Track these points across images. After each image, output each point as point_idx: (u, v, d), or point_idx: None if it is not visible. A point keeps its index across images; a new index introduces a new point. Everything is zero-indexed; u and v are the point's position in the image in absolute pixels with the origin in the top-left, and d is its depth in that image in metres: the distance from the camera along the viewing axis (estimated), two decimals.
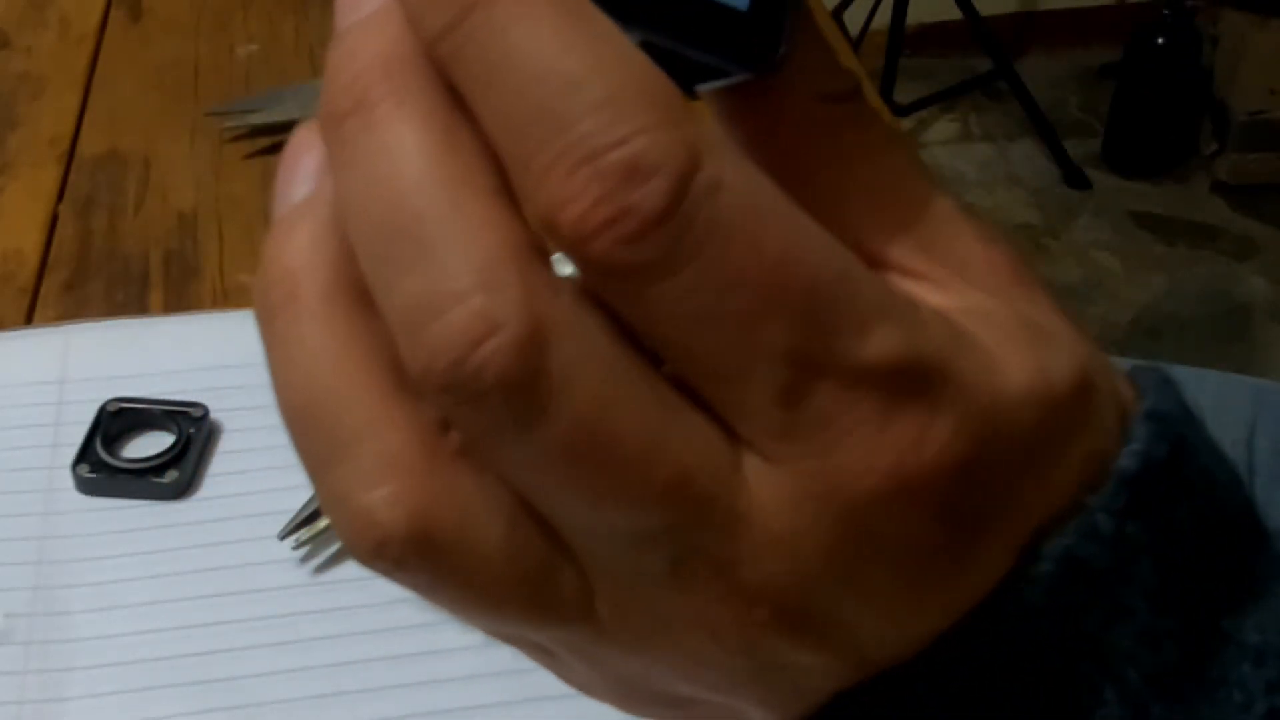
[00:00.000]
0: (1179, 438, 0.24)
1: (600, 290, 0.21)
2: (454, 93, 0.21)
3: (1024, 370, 0.23)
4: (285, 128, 0.77)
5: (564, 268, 0.22)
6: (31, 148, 0.77)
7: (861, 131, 0.25)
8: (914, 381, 0.22)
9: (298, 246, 0.23)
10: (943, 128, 2.47)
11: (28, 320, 0.65)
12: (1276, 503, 0.65)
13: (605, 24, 0.21)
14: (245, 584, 0.51)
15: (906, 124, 2.38)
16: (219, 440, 0.57)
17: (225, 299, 0.67)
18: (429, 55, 0.21)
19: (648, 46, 0.22)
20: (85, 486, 0.55)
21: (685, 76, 0.23)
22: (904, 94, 2.36)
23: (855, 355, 0.21)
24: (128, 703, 0.47)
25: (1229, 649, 0.24)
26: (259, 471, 0.56)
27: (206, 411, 0.57)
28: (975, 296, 0.24)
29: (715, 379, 0.21)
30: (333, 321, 0.22)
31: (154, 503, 0.54)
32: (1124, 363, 0.27)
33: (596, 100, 0.20)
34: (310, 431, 0.22)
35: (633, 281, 0.21)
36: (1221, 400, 0.72)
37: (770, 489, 0.22)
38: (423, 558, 0.21)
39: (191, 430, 0.56)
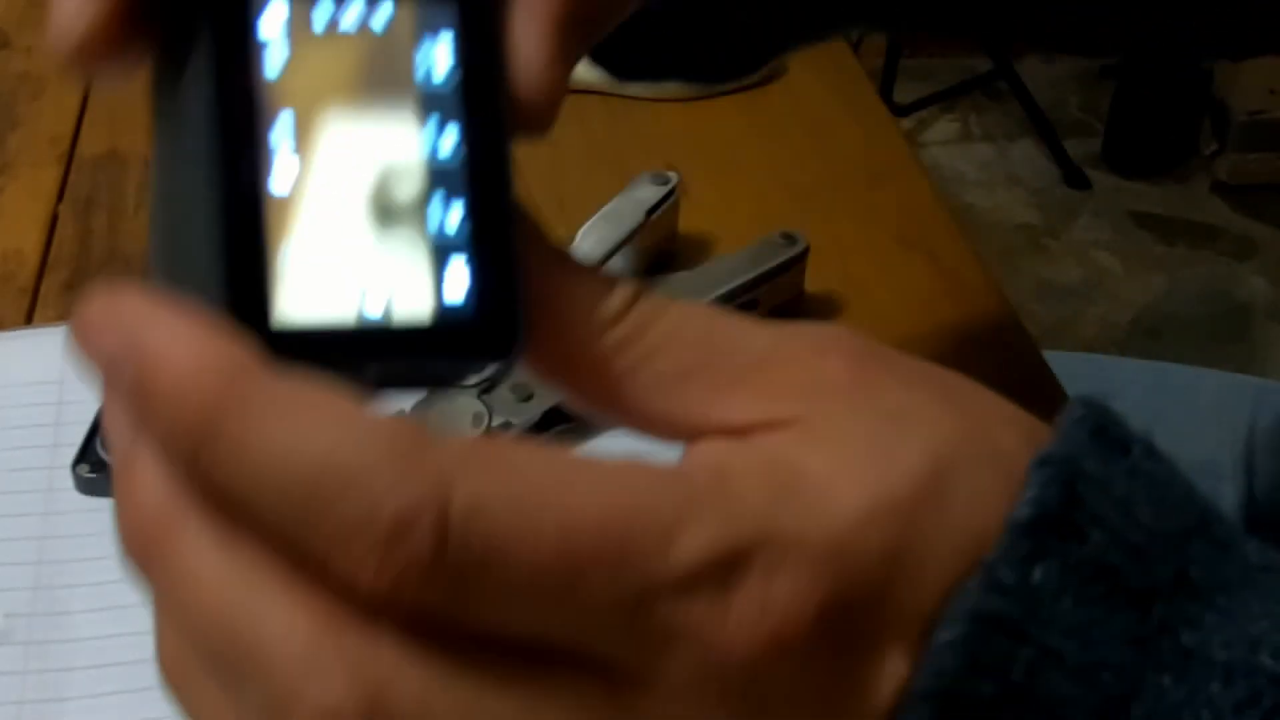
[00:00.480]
0: (1074, 475, 0.24)
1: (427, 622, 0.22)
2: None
3: (858, 492, 0.24)
4: None
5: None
6: (31, 148, 0.77)
7: (649, 327, 0.26)
8: (738, 559, 0.23)
9: (148, 488, 0.24)
10: (943, 128, 2.46)
11: (28, 320, 0.65)
12: (1276, 502, 0.65)
13: (317, 397, 0.22)
14: None
15: (906, 124, 2.38)
16: None
17: None
18: (185, 469, 0.23)
19: (393, 372, 0.24)
20: (85, 486, 0.54)
21: (436, 381, 0.24)
22: (904, 94, 2.36)
23: (671, 569, 0.22)
24: (128, 703, 0.47)
25: (1193, 666, 0.24)
26: None
27: None
28: (812, 417, 0.25)
29: (565, 646, 0.23)
30: (209, 549, 0.23)
31: None
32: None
33: (341, 483, 0.21)
34: (222, 655, 0.23)
35: (447, 614, 0.22)
36: (1220, 400, 0.72)
37: (662, 710, 0.23)
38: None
39: None
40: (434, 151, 0.25)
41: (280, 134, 0.24)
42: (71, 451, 0.55)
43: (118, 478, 0.24)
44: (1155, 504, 0.24)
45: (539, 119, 0.26)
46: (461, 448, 0.22)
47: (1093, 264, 2.18)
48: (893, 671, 0.23)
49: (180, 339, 0.22)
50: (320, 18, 0.25)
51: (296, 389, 0.22)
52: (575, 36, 0.27)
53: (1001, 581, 0.23)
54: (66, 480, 0.55)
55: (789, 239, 0.62)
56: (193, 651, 0.24)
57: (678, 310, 0.26)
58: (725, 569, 0.23)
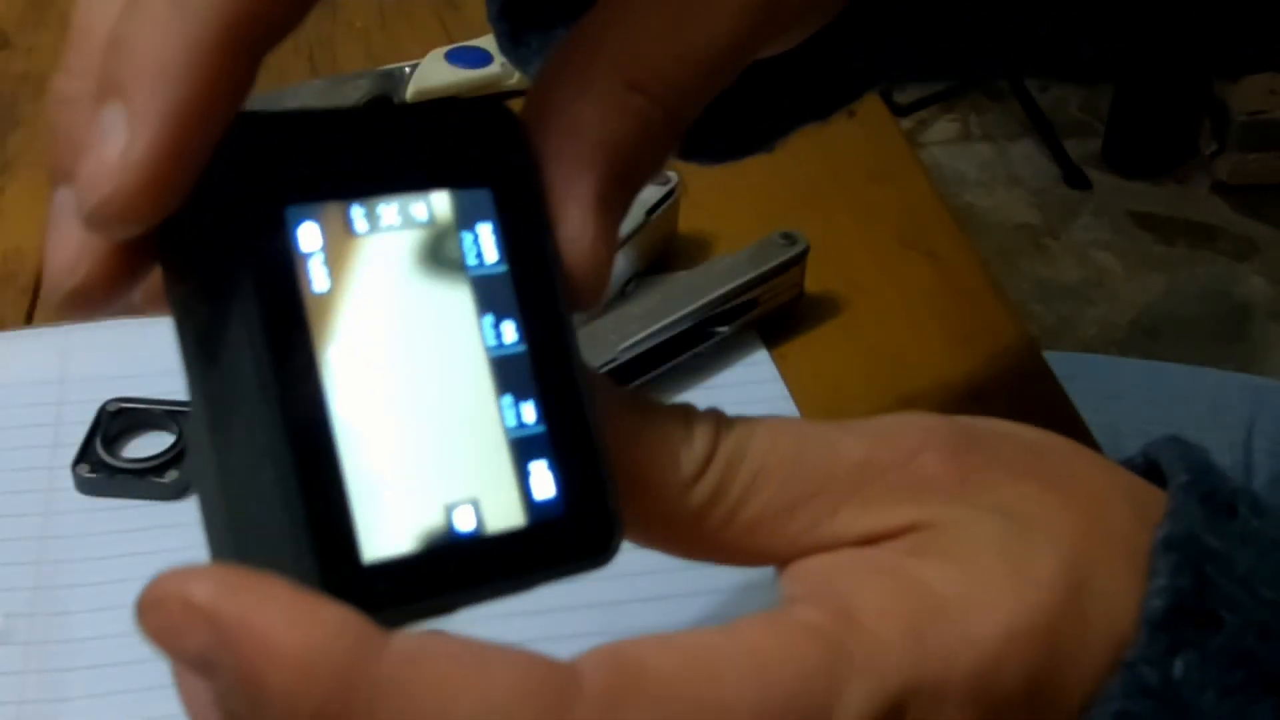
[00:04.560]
0: (1200, 557, 0.23)
1: None
2: None
3: (997, 618, 0.23)
4: None
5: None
6: (31, 148, 0.77)
7: (737, 470, 0.24)
8: (893, 715, 0.22)
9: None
10: (943, 128, 2.46)
11: (28, 320, 0.65)
12: (1276, 504, 0.65)
13: (449, 659, 0.21)
14: None
15: (906, 124, 2.38)
16: None
17: None
18: None
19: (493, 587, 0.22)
20: (85, 486, 0.54)
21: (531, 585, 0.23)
22: (904, 94, 2.36)
23: None
24: (128, 703, 0.47)
25: None
26: None
27: None
28: (925, 524, 0.24)
29: None
30: None
31: (154, 503, 0.54)
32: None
33: None
34: None
35: None
36: (1220, 400, 0.72)
37: None
38: None
39: None
40: (498, 341, 0.24)
41: (337, 352, 0.22)
42: (71, 451, 0.55)
43: None
44: (1273, 572, 0.24)
45: (592, 294, 0.25)
46: (603, 687, 0.21)
47: (1093, 264, 2.18)
48: None
49: (283, 624, 0.20)
50: (358, 220, 0.23)
51: (423, 654, 0.20)
52: (618, 205, 0.25)
53: (1145, 683, 0.23)
54: (66, 480, 0.55)
55: (789, 239, 0.62)
56: None
57: (762, 438, 0.25)
58: None
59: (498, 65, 0.78)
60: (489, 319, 0.23)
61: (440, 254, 0.23)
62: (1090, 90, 2.49)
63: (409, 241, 0.23)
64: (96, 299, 0.23)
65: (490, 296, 0.23)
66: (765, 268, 0.61)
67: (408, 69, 0.80)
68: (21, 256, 0.69)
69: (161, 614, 0.21)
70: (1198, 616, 0.23)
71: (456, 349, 0.23)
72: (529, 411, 0.24)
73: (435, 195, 0.23)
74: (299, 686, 0.20)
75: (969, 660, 0.23)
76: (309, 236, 0.22)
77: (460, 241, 0.24)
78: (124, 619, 0.51)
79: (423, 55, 0.80)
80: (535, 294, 0.24)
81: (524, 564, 0.23)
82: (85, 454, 0.55)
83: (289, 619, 0.20)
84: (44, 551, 0.52)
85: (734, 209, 0.70)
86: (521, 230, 0.24)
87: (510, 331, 0.24)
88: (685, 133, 0.26)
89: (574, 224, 0.24)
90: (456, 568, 0.22)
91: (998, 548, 0.24)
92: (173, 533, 0.53)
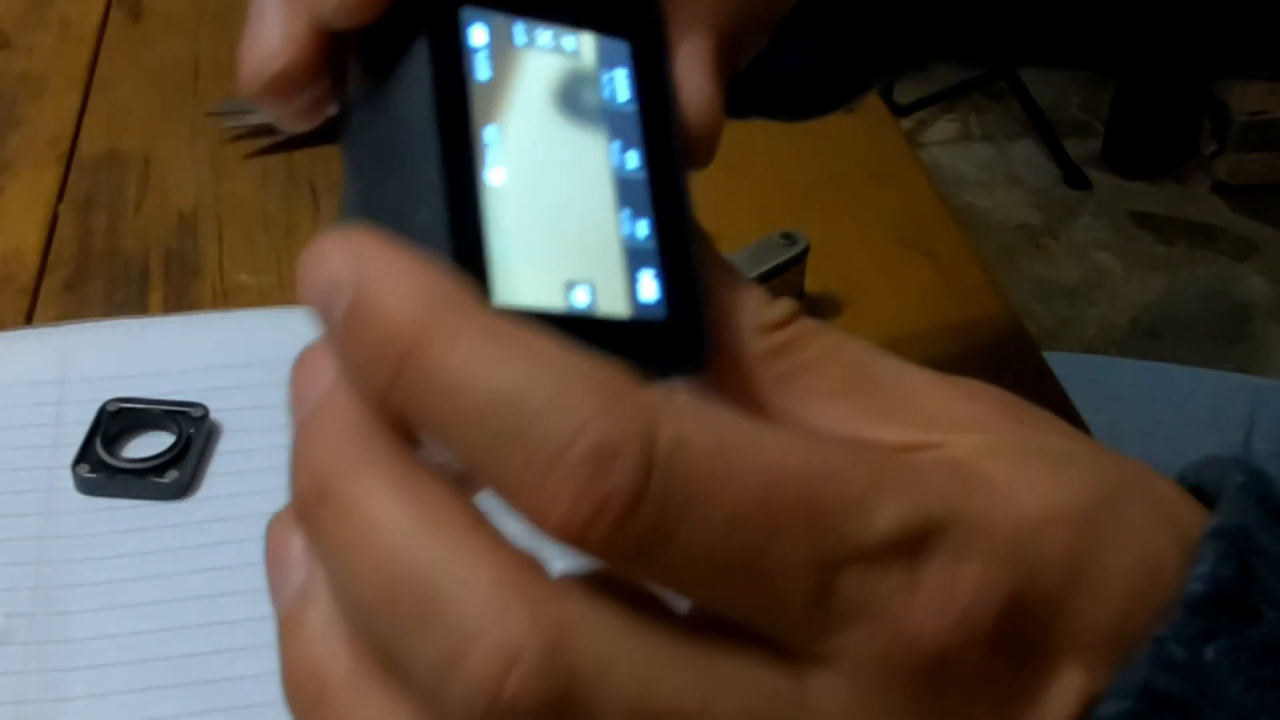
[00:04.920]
0: (1248, 550, 0.24)
1: (610, 570, 0.21)
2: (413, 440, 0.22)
3: (1038, 494, 0.23)
4: None
5: None
6: (31, 148, 0.77)
7: (807, 342, 0.26)
8: (928, 538, 0.22)
9: (310, 640, 0.23)
10: (943, 128, 2.46)
11: (28, 320, 0.65)
12: None
13: (527, 334, 0.22)
14: (245, 584, 0.51)
15: (906, 124, 2.38)
16: (219, 440, 0.57)
17: (225, 299, 0.67)
18: (381, 412, 0.22)
19: None
20: (85, 486, 0.55)
21: None
22: (904, 94, 2.36)
23: (863, 538, 0.22)
24: (128, 703, 0.47)
25: None
26: (259, 471, 0.56)
27: (206, 411, 0.57)
28: (976, 440, 0.25)
29: (744, 611, 0.22)
30: (368, 702, 0.22)
31: (154, 503, 0.54)
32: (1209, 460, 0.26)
33: (542, 404, 0.21)
34: (394, 608, 0.22)
35: (637, 559, 0.21)
36: (1219, 401, 0.72)
37: (834, 696, 0.22)
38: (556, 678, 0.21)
39: (191, 430, 0.56)
40: (622, 164, 0.27)
41: (490, 132, 0.25)
42: (71, 451, 0.55)
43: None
44: None
45: (706, 150, 0.29)
46: (664, 392, 0.22)
47: (1093, 264, 2.18)
48: (1069, 685, 0.23)
49: (401, 269, 0.22)
50: (519, 34, 0.27)
51: (505, 323, 0.22)
52: (725, 79, 0.29)
53: (1173, 659, 0.23)
54: (66, 480, 0.55)
55: (789, 239, 0.62)
56: (354, 618, 0.22)
57: (837, 335, 0.26)
58: (916, 545, 0.22)
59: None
60: (617, 144, 0.27)
61: (581, 82, 0.27)
62: (1090, 90, 2.49)
63: (556, 64, 0.27)
64: (293, 84, 0.27)
65: (619, 127, 0.27)
66: (765, 267, 0.61)
67: None
68: (21, 256, 0.69)
69: (318, 245, 0.23)
70: (1237, 608, 0.23)
71: (587, 158, 0.27)
72: (642, 228, 0.27)
73: (584, 35, 0.27)
74: (391, 315, 0.22)
75: (1011, 515, 0.23)
76: (478, 35, 0.26)
77: (599, 77, 0.27)
78: (124, 619, 0.51)
79: None
80: (657, 135, 0.27)
81: (625, 350, 0.25)
82: (85, 454, 0.55)
83: (410, 267, 0.22)
84: (44, 551, 0.52)
85: (734, 209, 0.70)
86: (650, 82, 0.28)
87: (633, 159, 0.27)
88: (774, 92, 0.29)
89: (694, 85, 0.28)
90: (567, 333, 0.24)
91: (1042, 460, 0.24)
92: (173, 533, 0.53)
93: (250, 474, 0.56)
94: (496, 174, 0.25)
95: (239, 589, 0.51)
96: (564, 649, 0.21)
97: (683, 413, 0.21)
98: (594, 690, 0.21)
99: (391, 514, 0.22)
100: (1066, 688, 0.23)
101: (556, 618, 0.21)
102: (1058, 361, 0.62)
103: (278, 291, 0.67)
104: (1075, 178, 2.35)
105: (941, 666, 0.22)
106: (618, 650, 0.21)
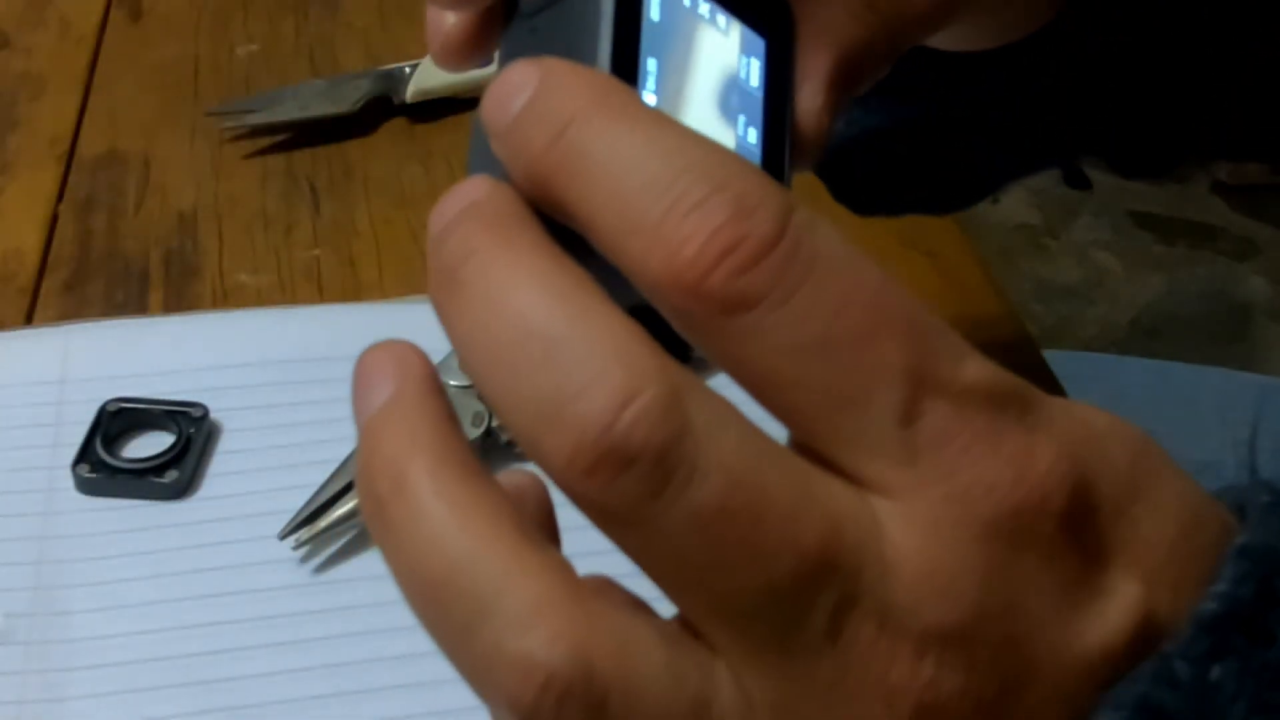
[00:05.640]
0: (1274, 571, 0.23)
1: (715, 336, 0.22)
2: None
3: (1103, 415, 0.24)
4: (285, 128, 0.77)
5: None
6: (31, 148, 0.77)
7: None
8: (1013, 405, 0.22)
9: (394, 440, 0.23)
10: None
11: (28, 320, 0.65)
12: None
13: (683, 126, 0.23)
14: (245, 584, 0.51)
15: None
16: (219, 440, 0.57)
17: (225, 299, 0.67)
18: (533, 179, 0.24)
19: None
20: (85, 486, 0.54)
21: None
22: None
23: (957, 377, 0.22)
24: (128, 703, 0.47)
25: None
26: (259, 471, 0.56)
27: (206, 411, 0.57)
28: None
29: (833, 407, 0.22)
30: (449, 491, 0.22)
31: (154, 503, 0.54)
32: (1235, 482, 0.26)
33: (692, 163, 0.22)
34: (447, 602, 0.22)
35: (751, 313, 0.21)
36: (1224, 400, 0.72)
37: (907, 529, 0.22)
38: (589, 693, 0.21)
39: (191, 430, 0.56)
40: (744, 137, 0.30)
41: (650, 63, 0.28)
42: (71, 451, 0.55)
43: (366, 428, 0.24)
44: None
45: (808, 151, 0.31)
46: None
47: (1093, 264, 2.18)
48: (1130, 594, 0.23)
49: (580, 69, 0.24)
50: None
51: (665, 115, 0.23)
52: (841, 93, 0.32)
53: (1176, 676, 0.22)
54: (66, 480, 0.55)
55: None
56: (473, 366, 0.23)
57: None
58: (1001, 406, 0.22)
59: (497, 65, 0.78)
60: (743, 118, 0.30)
61: (725, 54, 0.30)
62: None
63: (710, 33, 0.30)
64: (468, 49, 0.31)
65: (746, 104, 0.30)
66: None
67: (408, 69, 0.80)
68: (21, 256, 0.69)
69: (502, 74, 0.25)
70: (1251, 630, 0.23)
71: (718, 119, 0.29)
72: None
73: (733, 21, 0.30)
74: (564, 88, 0.23)
75: (1081, 417, 0.23)
76: None
77: (738, 58, 0.30)
78: (124, 619, 0.51)
79: (423, 55, 0.80)
80: (775, 123, 0.31)
81: None
82: (85, 454, 0.55)
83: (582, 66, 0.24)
84: (44, 551, 0.52)
85: None
86: (776, 79, 0.31)
87: (753, 135, 0.30)
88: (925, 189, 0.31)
89: (809, 93, 0.31)
90: None
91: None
92: (173, 533, 0.53)
93: (250, 474, 0.56)
94: (648, 99, 0.27)
95: (239, 589, 0.51)
96: (682, 400, 0.21)
97: (816, 214, 0.23)
98: (701, 447, 0.21)
99: (524, 283, 0.22)
100: (1127, 595, 0.23)
101: (678, 376, 0.21)
102: (1058, 361, 0.62)
103: (277, 291, 0.67)
104: (1075, 178, 2.34)
105: (1016, 525, 0.22)
106: (730, 422, 0.21)
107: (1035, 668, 0.22)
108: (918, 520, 0.22)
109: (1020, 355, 0.63)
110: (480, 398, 0.54)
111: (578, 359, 0.21)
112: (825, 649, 0.22)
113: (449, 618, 0.22)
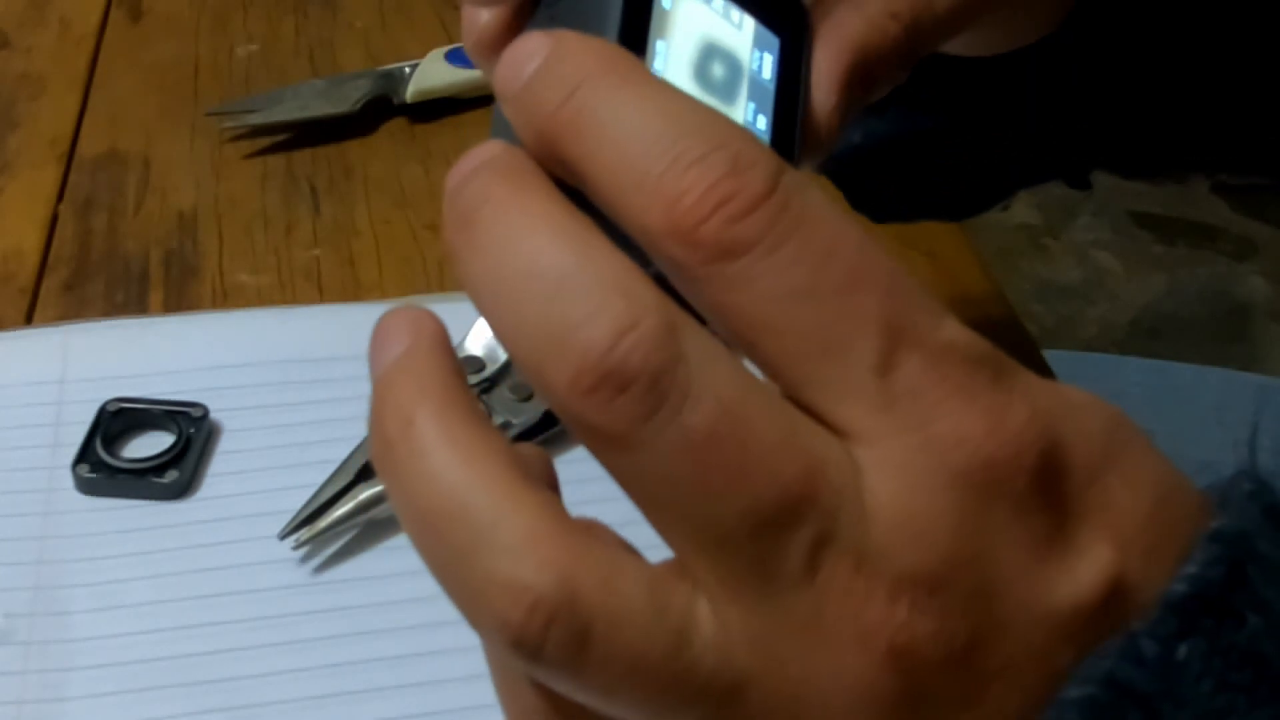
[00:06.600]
0: (1246, 556, 0.23)
1: (707, 284, 0.23)
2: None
3: (1079, 390, 0.24)
4: (285, 128, 0.77)
5: None
6: (31, 148, 0.77)
7: None
8: (988, 366, 0.23)
9: (404, 388, 0.25)
10: None
11: (28, 320, 0.65)
12: None
13: (685, 93, 0.25)
14: (245, 584, 0.51)
15: None
16: (219, 440, 0.57)
17: (225, 299, 0.67)
18: (543, 139, 0.25)
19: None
20: (85, 486, 0.54)
21: None
22: None
23: (937, 334, 0.23)
24: (128, 703, 0.47)
25: None
26: (259, 471, 0.56)
27: (206, 411, 0.57)
28: None
29: (815, 354, 0.23)
30: (452, 432, 0.24)
31: (154, 503, 0.54)
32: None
33: (693, 126, 0.23)
34: (445, 531, 0.23)
35: (741, 260, 0.23)
36: (1224, 399, 0.72)
37: (883, 475, 0.23)
38: (574, 617, 0.22)
39: (191, 430, 0.56)
40: (752, 123, 0.30)
41: (659, 45, 0.29)
42: (71, 451, 0.55)
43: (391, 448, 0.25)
44: None
45: (818, 146, 0.32)
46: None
47: (1093, 264, 2.18)
48: (1100, 557, 0.23)
49: (589, 38, 0.25)
50: None
51: (669, 84, 0.25)
52: (855, 95, 0.33)
53: (1142, 653, 0.23)
54: (66, 480, 0.55)
55: None
56: (487, 306, 0.25)
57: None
58: (975, 365, 0.23)
59: None
60: (752, 105, 0.31)
61: (736, 46, 0.31)
62: None
63: (722, 25, 0.30)
64: (501, 42, 0.31)
65: (756, 93, 0.31)
66: None
67: (408, 69, 0.80)
68: (21, 256, 0.69)
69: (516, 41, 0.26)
70: (1220, 612, 0.23)
71: (727, 104, 0.30)
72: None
73: (747, 17, 0.31)
74: (576, 51, 0.25)
75: (1056, 389, 0.24)
76: None
77: (750, 51, 0.31)
78: (124, 619, 0.51)
79: (423, 55, 0.80)
80: (784, 115, 0.31)
81: None
82: (85, 454, 0.55)
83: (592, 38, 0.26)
84: (44, 551, 0.52)
85: None
86: (788, 75, 0.32)
87: (762, 123, 0.31)
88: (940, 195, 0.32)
89: (822, 93, 0.32)
90: None
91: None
92: (173, 533, 0.53)
93: (250, 474, 0.56)
94: (659, 69, 0.29)
95: (239, 589, 0.51)
96: (678, 331, 0.23)
97: (805, 177, 0.24)
98: (694, 376, 0.22)
99: (535, 225, 0.24)
100: (1099, 557, 0.23)
101: (675, 312, 0.23)
102: (1058, 361, 0.62)
103: (277, 291, 0.67)
104: (1076, 178, 2.34)
105: (987, 477, 0.23)
106: (722, 357, 0.23)
107: (1006, 619, 0.23)
108: (892, 466, 0.23)
109: (1020, 355, 0.63)
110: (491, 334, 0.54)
111: (582, 291, 0.23)
112: (803, 585, 0.22)
113: (446, 547, 0.23)
